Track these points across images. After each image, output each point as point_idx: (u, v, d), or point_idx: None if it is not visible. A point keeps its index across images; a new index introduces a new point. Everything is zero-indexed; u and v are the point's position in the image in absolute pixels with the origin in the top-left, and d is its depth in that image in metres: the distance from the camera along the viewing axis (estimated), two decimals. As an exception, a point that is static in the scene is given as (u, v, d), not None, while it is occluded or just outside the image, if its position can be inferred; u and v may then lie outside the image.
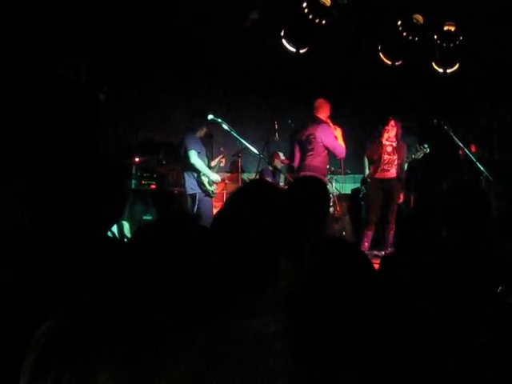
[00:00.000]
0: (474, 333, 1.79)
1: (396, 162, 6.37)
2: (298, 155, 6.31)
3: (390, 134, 6.35)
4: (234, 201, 1.24)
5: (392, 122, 6.34)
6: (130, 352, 1.04)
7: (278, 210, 1.23)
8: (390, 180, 6.37)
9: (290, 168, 7.32)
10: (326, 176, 6.21)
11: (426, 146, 6.59)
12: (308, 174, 5.75)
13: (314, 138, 5.99)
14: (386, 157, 6.36)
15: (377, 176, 6.40)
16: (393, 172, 6.38)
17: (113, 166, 2.09)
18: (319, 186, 2.49)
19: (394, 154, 6.37)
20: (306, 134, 6.10)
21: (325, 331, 1.65)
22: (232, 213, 1.19)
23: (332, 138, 6.04)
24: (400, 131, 6.41)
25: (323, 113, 6.17)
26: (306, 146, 6.10)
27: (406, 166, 6.62)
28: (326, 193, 2.46)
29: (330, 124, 6.16)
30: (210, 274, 1.15)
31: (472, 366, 1.73)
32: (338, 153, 6.14)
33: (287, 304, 1.17)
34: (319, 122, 6.10)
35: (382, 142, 6.34)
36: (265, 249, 1.14)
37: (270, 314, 1.12)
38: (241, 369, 1.03)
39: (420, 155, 6.63)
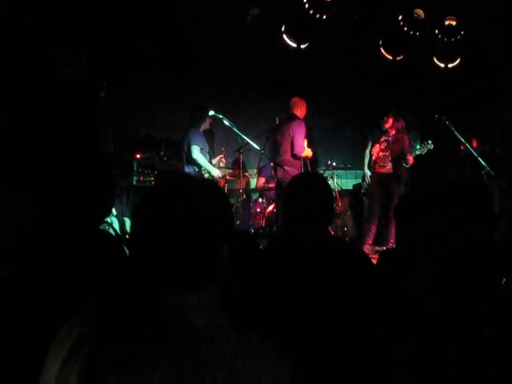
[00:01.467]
0: (477, 326, 1.79)
1: (390, 158, 6.48)
2: (272, 151, 6.46)
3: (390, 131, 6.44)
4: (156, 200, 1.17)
5: (390, 119, 6.46)
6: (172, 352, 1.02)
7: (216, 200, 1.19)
8: (386, 175, 6.49)
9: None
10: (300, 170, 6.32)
11: (430, 142, 6.60)
12: (287, 168, 5.88)
13: (288, 133, 6.19)
14: (380, 154, 6.53)
15: (375, 170, 6.58)
16: (388, 168, 6.50)
17: (104, 161, 2.12)
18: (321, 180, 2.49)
19: (386, 151, 6.51)
20: (283, 130, 6.29)
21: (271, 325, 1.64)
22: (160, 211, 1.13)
23: (300, 134, 6.19)
24: (400, 125, 6.47)
25: (299, 110, 6.38)
26: (282, 141, 6.27)
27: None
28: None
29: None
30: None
31: (476, 359, 1.72)
32: (296, 148, 6.21)
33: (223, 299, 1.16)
34: (295, 118, 6.30)
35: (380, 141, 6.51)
36: (207, 244, 1.12)
37: (209, 308, 1.11)
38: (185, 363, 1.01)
39: (424, 151, 6.64)
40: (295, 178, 2.54)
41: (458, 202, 2.26)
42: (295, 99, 6.43)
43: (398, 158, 6.44)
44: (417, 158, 6.82)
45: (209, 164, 6.13)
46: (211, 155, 6.46)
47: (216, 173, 6.19)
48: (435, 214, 2.21)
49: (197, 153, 5.97)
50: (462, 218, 2.24)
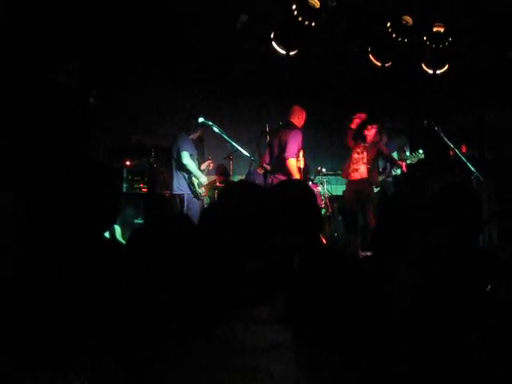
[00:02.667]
0: (464, 332, 1.79)
1: (364, 160, 6.51)
2: (268, 157, 6.41)
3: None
4: (228, 207, 1.18)
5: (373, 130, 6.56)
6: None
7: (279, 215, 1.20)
8: (359, 181, 6.50)
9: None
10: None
11: (421, 151, 6.62)
12: (280, 176, 5.86)
13: (284, 140, 6.08)
14: (355, 156, 6.56)
15: (349, 177, 6.60)
16: (361, 172, 6.51)
17: (106, 169, 2.13)
18: (304, 188, 2.47)
19: (361, 154, 6.54)
20: (280, 138, 6.18)
21: (330, 337, 1.64)
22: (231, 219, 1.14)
23: (295, 144, 6.05)
24: (378, 137, 6.59)
25: (296, 118, 6.26)
26: (278, 149, 6.18)
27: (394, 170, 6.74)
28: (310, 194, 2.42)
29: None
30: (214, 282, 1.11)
31: (464, 367, 1.73)
32: (287, 152, 6.03)
33: (288, 312, 1.15)
34: (293, 127, 6.18)
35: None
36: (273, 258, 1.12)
37: (276, 322, 1.10)
38: (255, 378, 1.02)
39: (414, 160, 6.67)
40: (274, 188, 2.53)
41: (448, 208, 2.27)
42: (295, 107, 6.33)
43: (371, 163, 6.51)
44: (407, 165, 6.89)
45: (198, 170, 6.17)
46: (199, 161, 6.46)
47: (204, 179, 6.23)
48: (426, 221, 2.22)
49: (187, 159, 5.99)
50: (450, 223, 2.25)
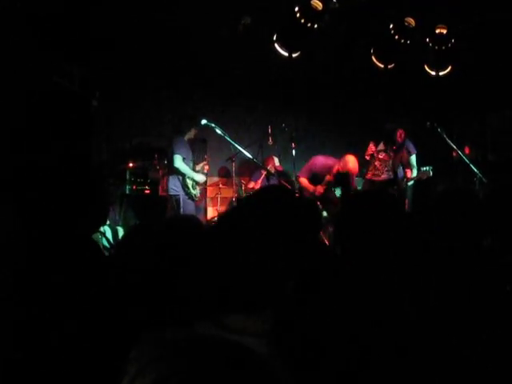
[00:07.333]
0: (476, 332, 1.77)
1: (386, 169, 6.81)
2: None
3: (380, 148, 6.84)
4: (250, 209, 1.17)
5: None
6: None
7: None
8: (381, 182, 6.78)
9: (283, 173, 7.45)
10: None
11: (429, 168, 6.55)
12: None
13: None
14: (377, 163, 6.83)
15: (369, 177, 6.89)
16: (384, 176, 6.82)
17: (95, 172, 2.14)
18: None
19: (385, 162, 6.83)
20: None
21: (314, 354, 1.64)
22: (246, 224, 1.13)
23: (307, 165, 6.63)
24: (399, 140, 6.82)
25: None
26: None
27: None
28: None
29: None
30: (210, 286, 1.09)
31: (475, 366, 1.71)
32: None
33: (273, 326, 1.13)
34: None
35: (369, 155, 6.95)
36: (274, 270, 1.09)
37: (262, 335, 1.08)
38: None
39: (423, 178, 6.63)
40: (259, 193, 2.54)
41: (450, 212, 2.26)
42: (347, 157, 6.41)
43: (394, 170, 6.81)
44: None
45: (191, 171, 6.09)
46: (194, 162, 6.39)
47: (199, 177, 6.17)
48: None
49: (179, 162, 5.94)
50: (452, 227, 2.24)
